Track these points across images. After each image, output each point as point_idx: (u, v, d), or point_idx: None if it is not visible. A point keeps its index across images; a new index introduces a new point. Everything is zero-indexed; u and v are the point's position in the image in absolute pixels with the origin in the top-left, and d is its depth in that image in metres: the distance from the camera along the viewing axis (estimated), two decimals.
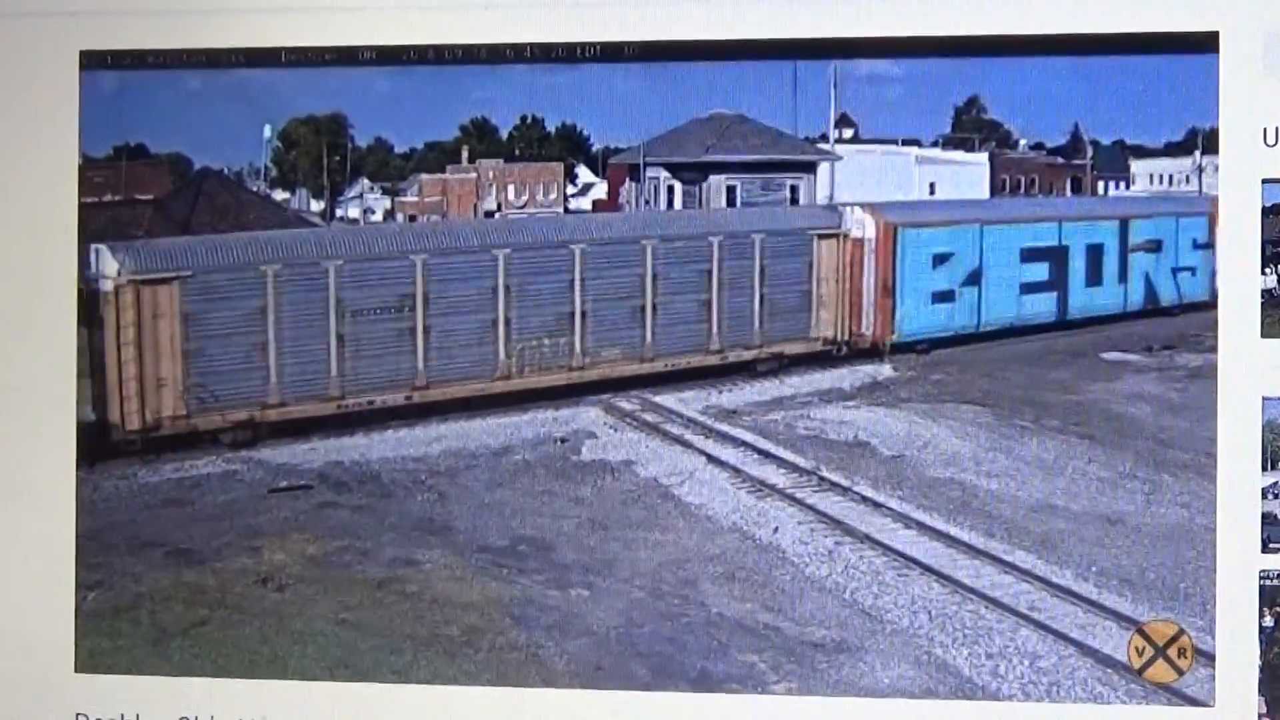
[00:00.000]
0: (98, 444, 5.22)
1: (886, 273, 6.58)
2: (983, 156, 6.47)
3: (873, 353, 6.56)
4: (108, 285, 5.29)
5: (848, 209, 6.60)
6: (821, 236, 6.57)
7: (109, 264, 5.29)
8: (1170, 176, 6.24)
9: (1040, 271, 6.77)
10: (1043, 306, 6.75)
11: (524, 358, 5.90)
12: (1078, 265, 6.72)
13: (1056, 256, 6.78)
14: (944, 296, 6.63)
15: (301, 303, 5.63)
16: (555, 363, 5.98)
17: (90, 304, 5.16)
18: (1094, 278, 6.78)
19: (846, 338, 6.59)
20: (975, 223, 6.67)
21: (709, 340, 6.36)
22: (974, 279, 6.71)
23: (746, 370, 6.34)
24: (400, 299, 5.74)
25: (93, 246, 5.15)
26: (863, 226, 6.58)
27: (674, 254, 6.25)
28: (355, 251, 5.68)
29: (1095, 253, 6.79)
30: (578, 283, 6.02)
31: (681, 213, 6.30)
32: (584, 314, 6.03)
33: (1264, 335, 3.93)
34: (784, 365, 6.37)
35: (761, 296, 6.41)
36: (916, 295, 6.61)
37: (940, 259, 6.63)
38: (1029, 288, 6.76)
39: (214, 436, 5.53)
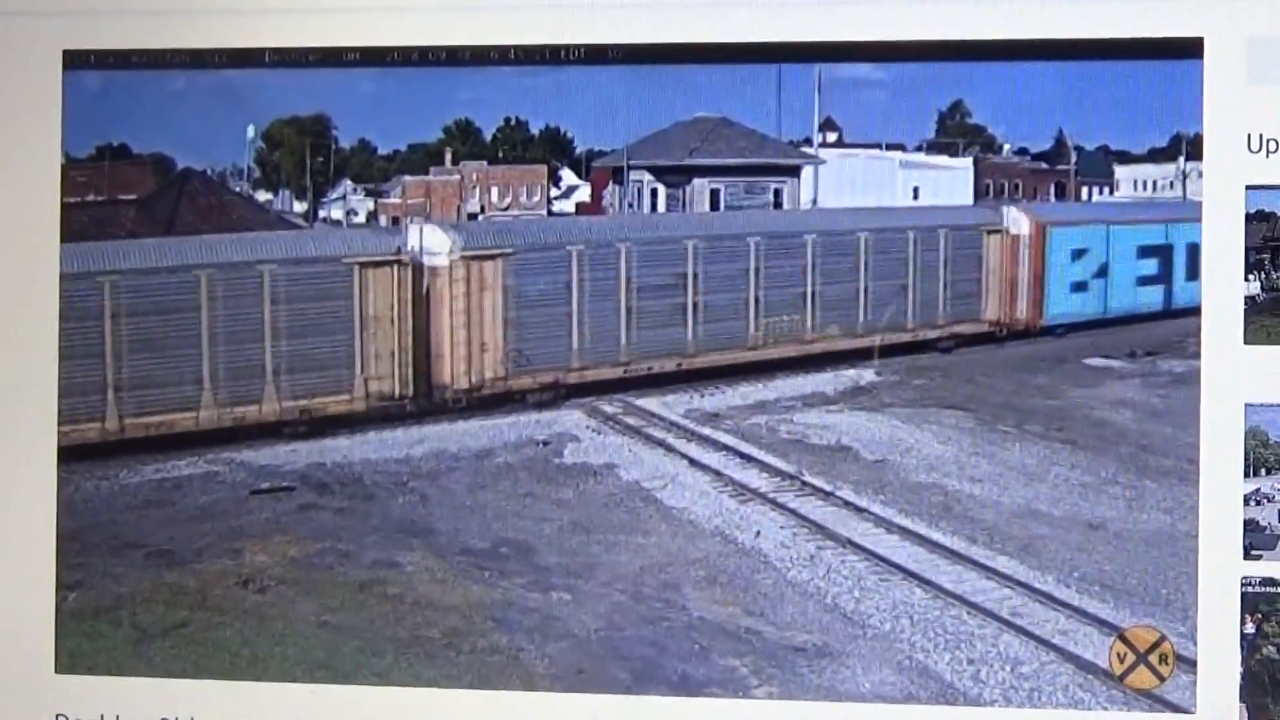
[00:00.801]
0: (427, 402, 5.91)
1: (1037, 265, 7.19)
2: (967, 161, 6.50)
3: (1025, 334, 7.10)
4: (441, 260, 5.92)
5: (1005, 209, 7.09)
6: (989, 232, 7.11)
7: (441, 241, 5.94)
8: (1154, 182, 6.27)
9: (1152, 266, 7.24)
10: (1154, 297, 7.21)
11: (769, 331, 6.53)
12: (1180, 261, 7.12)
13: (1165, 254, 7.21)
14: (1080, 286, 7.24)
15: (599, 279, 6.30)
16: (792, 336, 6.63)
17: (418, 277, 5.93)
18: (1193, 273, 7.10)
19: (1006, 320, 7.11)
20: (1104, 223, 7.18)
21: (907, 319, 6.91)
22: (1102, 272, 7.27)
23: (931, 348, 6.87)
24: (676, 277, 6.38)
25: (418, 224, 5.88)
26: (1019, 224, 7.14)
27: (881, 245, 6.89)
28: (642, 234, 6.38)
29: (1194, 250, 7.09)
30: (809, 268, 6.70)
31: (885, 209, 6.78)
32: (814, 295, 6.69)
33: (1247, 342, 3.93)
34: (958, 344, 6.98)
35: (945, 283, 7.01)
36: (1059, 285, 7.19)
37: (1078, 254, 7.22)
38: (1143, 280, 7.25)
39: (523, 396, 6.10)
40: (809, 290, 6.66)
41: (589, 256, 6.28)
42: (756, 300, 6.54)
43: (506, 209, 6.52)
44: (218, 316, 5.56)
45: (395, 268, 5.99)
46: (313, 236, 5.71)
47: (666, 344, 6.37)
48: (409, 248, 5.98)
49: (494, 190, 6.48)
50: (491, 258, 6.12)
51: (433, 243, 6.11)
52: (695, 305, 6.41)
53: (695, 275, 6.41)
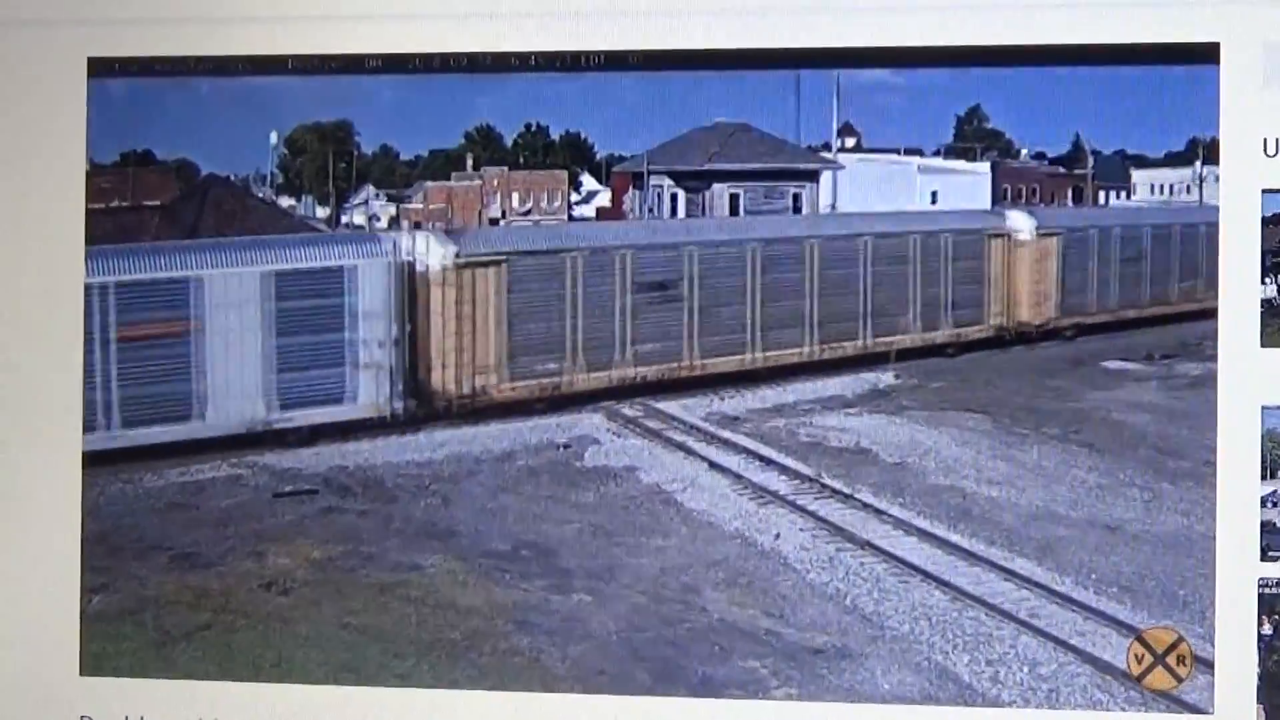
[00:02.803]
0: (1015, 334, 7.30)
1: None
2: (985, 166, 6.51)
3: None
4: (1025, 236, 7.31)
5: None
6: None
7: (1024, 222, 7.27)
8: (1171, 186, 6.28)
9: None
10: None
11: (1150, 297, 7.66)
12: None
13: None
14: None
15: (1103, 252, 7.61)
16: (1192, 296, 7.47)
17: (989, 247, 7.31)
18: None
19: None
20: None
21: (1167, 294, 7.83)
22: None
23: None
24: (1140, 250, 7.60)
25: (1005, 209, 7.14)
26: None
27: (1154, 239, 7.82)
28: (1123, 222, 7.52)
29: None
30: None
31: (1151, 208, 7.39)
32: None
33: (1264, 345, 3.94)
34: None
35: None
36: None
37: None
38: None
39: (1060, 330, 7.41)
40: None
41: (1095, 236, 7.45)
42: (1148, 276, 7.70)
43: (527, 214, 6.55)
44: (914, 272, 7.17)
45: (1005, 239, 7.32)
46: (957, 215, 7.13)
47: (1132, 298, 7.52)
48: (1003, 225, 7.36)
49: (515, 195, 6.51)
50: (1053, 234, 7.33)
51: (1018, 223, 7.30)
52: (1147, 274, 7.55)
53: (1145, 252, 7.56)
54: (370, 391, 6.20)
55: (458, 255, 6.35)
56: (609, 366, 6.55)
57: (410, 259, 6.34)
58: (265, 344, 6.07)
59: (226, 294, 6.01)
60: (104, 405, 5.74)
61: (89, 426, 5.19)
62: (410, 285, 6.31)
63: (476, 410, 6.25)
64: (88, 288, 5.15)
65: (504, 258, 6.41)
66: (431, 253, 6.32)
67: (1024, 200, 6.96)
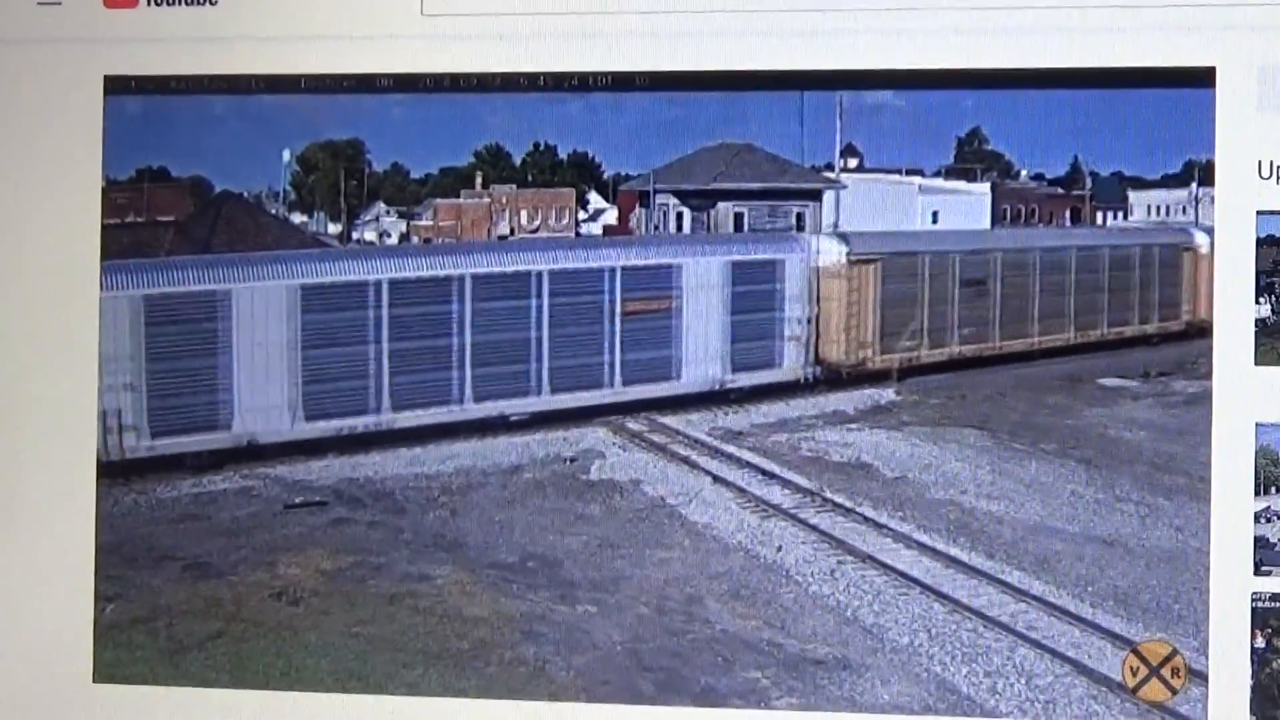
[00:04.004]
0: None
1: None
2: (984, 186, 6.52)
3: None
4: (1204, 250, 7.00)
5: None
6: None
7: (1204, 238, 7.12)
8: (1167, 207, 6.31)
9: None
10: None
11: None
12: None
13: None
14: None
15: None
16: None
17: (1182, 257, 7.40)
18: None
19: None
20: None
21: None
22: None
23: None
24: None
25: (1192, 228, 7.08)
26: None
27: None
28: None
29: None
30: None
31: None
32: None
33: (1257, 363, 4.00)
34: None
35: None
36: None
37: None
38: None
39: None
40: None
41: None
42: None
43: (535, 231, 6.59)
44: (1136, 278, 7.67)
45: (1193, 252, 7.17)
46: (1163, 231, 7.33)
47: None
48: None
49: (523, 213, 6.54)
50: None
51: (1200, 238, 7.09)
52: None
53: None
54: (792, 359, 7.36)
55: (849, 254, 7.34)
56: (944, 344, 7.43)
57: (812, 255, 7.44)
58: (722, 319, 7.20)
59: (697, 277, 7.13)
60: (609, 366, 6.77)
61: (597, 383, 6.72)
62: (815, 276, 7.42)
63: (859, 377, 7.26)
64: (598, 270, 6.72)
65: (880, 256, 7.42)
66: (830, 251, 7.30)
67: (1023, 220, 6.97)
